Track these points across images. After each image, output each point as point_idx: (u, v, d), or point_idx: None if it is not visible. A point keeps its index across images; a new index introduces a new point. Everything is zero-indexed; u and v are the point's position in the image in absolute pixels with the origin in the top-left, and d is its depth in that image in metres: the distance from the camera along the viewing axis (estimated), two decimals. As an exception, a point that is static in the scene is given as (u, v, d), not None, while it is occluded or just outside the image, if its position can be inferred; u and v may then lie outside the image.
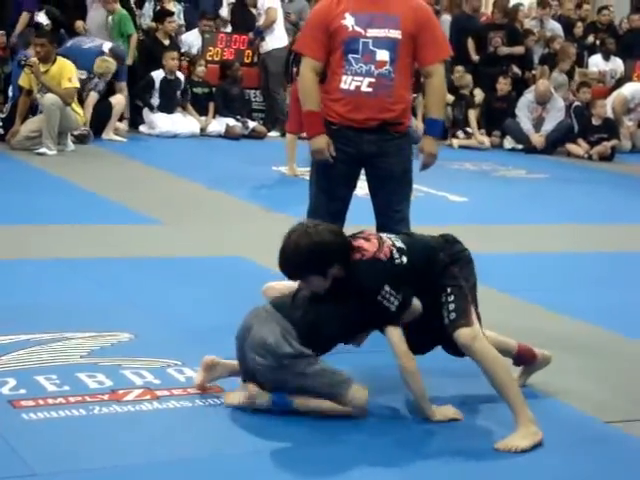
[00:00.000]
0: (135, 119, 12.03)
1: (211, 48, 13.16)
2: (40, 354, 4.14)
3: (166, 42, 12.36)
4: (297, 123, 8.48)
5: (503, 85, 13.18)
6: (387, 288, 3.63)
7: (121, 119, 11.72)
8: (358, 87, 4.63)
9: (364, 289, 3.66)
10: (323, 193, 4.79)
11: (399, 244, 3.76)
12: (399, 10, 4.64)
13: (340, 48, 4.65)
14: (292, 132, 9.43)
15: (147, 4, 13.06)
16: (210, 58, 13.03)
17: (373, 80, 4.62)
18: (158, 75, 11.88)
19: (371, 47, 4.61)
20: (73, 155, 9.98)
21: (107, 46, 11.35)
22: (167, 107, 11.94)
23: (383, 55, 4.61)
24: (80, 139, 10.52)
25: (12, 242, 6.22)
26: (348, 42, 4.63)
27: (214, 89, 12.54)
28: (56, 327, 4.44)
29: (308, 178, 5.00)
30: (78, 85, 10.23)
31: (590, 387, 4.30)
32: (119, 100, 11.29)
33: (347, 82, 4.65)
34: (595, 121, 12.87)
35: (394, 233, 4.40)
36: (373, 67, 4.62)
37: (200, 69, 12.42)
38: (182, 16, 13.30)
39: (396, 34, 4.62)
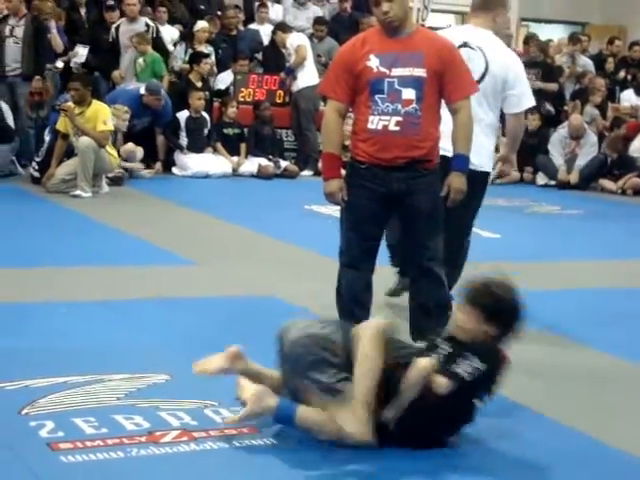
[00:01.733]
0: (168, 161, 12.15)
1: (243, 89, 13.27)
2: (77, 397, 4.16)
3: (198, 84, 12.48)
4: None
5: (532, 121, 13.15)
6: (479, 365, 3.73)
7: (156, 161, 11.85)
8: (385, 126, 4.65)
9: (479, 349, 3.76)
10: (354, 232, 4.79)
11: None
12: (423, 48, 4.67)
13: (366, 89, 4.67)
14: None
15: (179, 46, 13.23)
16: (242, 99, 13.16)
17: (400, 119, 4.63)
18: (183, 115, 12.02)
19: (396, 86, 4.63)
20: (108, 197, 10.07)
21: (143, 88, 11.53)
22: (196, 147, 12.06)
23: (409, 93, 4.63)
24: (115, 181, 10.63)
25: (47, 284, 6.26)
26: (374, 83, 4.65)
27: (246, 129, 12.65)
28: (92, 369, 4.46)
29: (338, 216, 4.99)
30: (113, 128, 10.35)
31: (628, 424, 4.26)
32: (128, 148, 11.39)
33: (374, 122, 4.66)
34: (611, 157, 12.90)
35: (425, 270, 4.63)
36: (400, 106, 4.63)
37: (231, 110, 12.53)
38: (213, 57, 13.44)
39: (421, 72, 4.64)
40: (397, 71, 4.63)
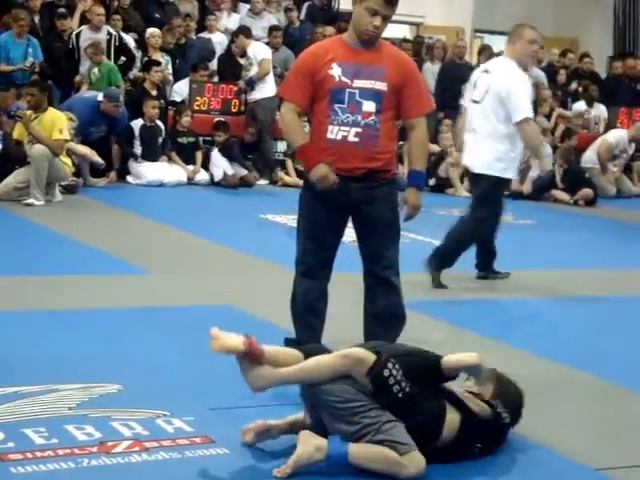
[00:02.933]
0: (123, 170, 12.08)
1: (198, 98, 13.26)
2: (28, 407, 4.12)
3: (153, 92, 12.45)
4: None
5: None
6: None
7: (110, 169, 11.78)
8: (345, 137, 4.64)
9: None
10: (311, 241, 4.79)
11: None
12: (385, 62, 4.69)
13: (326, 97, 4.66)
14: None
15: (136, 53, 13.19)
16: (197, 108, 13.14)
17: (360, 130, 4.64)
18: (137, 124, 11.98)
19: (357, 98, 4.63)
20: (61, 205, 10.00)
21: (101, 95, 11.47)
22: (150, 155, 12.01)
23: (369, 106, 4.64)
24: (68, 189, 10.55)
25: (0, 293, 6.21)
26: (335, 92, 4.65)
27: (201, 138, 12.66)
28: (44, 379, 4.42)
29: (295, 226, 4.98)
30: (69, 137, 10.29)
31: (574, 434, 4.30)
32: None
33: (334, 132, 4.66)
34: (563, 167, 13.04)
35: (382, 279, 4.67)
36: (360, 117, 4.64)
37: (185, 119, 12.52)
38: (170, 66, 13.41)
39: (382, 86, 4.65)
40: (359, 82, 4.64)
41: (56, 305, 6.00)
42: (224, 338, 3.78)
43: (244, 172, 12.43)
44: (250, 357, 3.75)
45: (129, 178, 12.00)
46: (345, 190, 4.67)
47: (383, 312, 4.81)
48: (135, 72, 12.88)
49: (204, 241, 8.53)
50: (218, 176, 12.22)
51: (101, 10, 12.52)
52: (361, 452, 3.60)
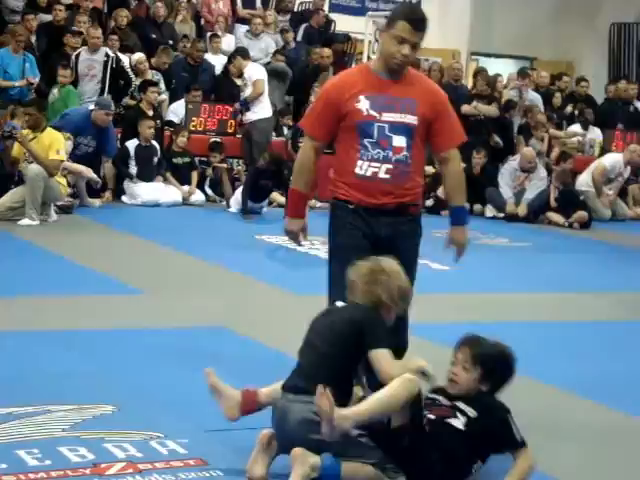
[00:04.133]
0: (118, 190, 12.07)
1: (194, 118, 13.28)
2: (22, 428, 4.10)
3: (149, 112, 12.46)
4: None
5: (478, 160, 13.28)
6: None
7: (105, 189, 11.77)
8: (375, 173, 4.46)
9: (498, 406, 3.90)
10: (341, 264, 4.40)
11: None
12: (416, 94, 4.49)
13: (354, 131, 4.46)
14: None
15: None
16: (193, 128, 13.15)
17: (391, 167, 4.46)
18: (132, 144, 11.98)
19: (387, 132, 4.44)
20: (56, 226, 9.98)
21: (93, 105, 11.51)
22: (145, 175, 11.99)
23: (400, 141, 4.45)
24: (63, 209, 10.54)
25: (-6, 313, 6.19)
26: (363, 126, 4.44)
27: (197, 159, 12.66)
28: (38, 400, 4.40)
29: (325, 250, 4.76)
30: (65, 158, 10.29)
31: (562, 455, 4.28)
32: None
33: (363, 167, 4.47)
34: (559, 188, 13.07)
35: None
36: (391, 153, 4.45)
37: (181, 139, 12.52)
38: (163, 85, 13.42)
39: (413, 119, 4.46)
40: (388, 116, 4.44)
41: (50, 325, 5.98)
42: (223, 399, 3.92)
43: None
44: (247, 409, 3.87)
45: (124, 198, 11.99)
46: (374, 224, 4.52)
47: (397, 345, 4.47)
48: (127, 100, 12.85)
49: (199, 261, 8.51)
50: (235, 209, 11.86)
51: (97, 33, 12.56)
52: (354, 471, 3.63)
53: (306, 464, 3.57)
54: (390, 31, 4.44)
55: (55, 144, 10.03)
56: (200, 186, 12.55)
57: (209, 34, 15.02)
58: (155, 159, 12.14)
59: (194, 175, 12.46)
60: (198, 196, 12.33)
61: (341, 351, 3.77)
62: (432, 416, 3.83)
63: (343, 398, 3.68)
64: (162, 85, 13.39)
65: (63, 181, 10.35)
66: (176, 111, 13.35)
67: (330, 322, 3.89)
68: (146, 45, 13.94)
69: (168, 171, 12.25)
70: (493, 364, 3.92)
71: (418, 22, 4.43)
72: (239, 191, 11.89)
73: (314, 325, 3.93)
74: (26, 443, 3.93)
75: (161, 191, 12.05)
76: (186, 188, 12.29)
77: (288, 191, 4.81)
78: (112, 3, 14.90)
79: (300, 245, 4.63)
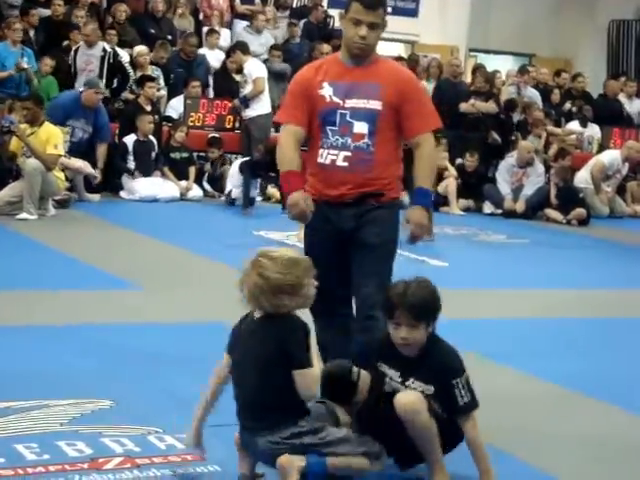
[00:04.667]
0: (115, 185, 12.07)
1: (193, 113, 13.27)
2: (20, 422, 4.10)
3: (148, 107, 12.44)
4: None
5: (470, 162, 13.30)
6: (465, 378, 3.75)
7: (103, 182, 11.76)
8: (333, 161, 4.33)
9: (447, 368, 3.74)
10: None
11: None
12: (381, 78, 4.34)
13: (317, 120, 4.37)
14: None
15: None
16: (192, 123, 13.15)
17: (349, 154, 4.31)
18: (130, 139, 11.97)
19: (348, 118, 4.31)
20: (54, 220, 9.98)
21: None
22: (143, 170, 11.99)
23: (361, 127, 4.31)
24: (61, 203, 10.54)
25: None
26: (326, 113, 4.34)
27: (195, 154, 12.65)
28: (36, 394, 4.40)
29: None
30: (62, 152, 10.28)
31: (563, 452, 4.29)
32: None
33: (323, 156, 4.36)
34: (560, 185, 13.08)
35: (364, 317, 4.35)
36: (350, 140, 4.31)
37: (179, 134, 12.51)
38: (162, 81, 13.41)
39: (376, 105, 4.31)
40: (351, 102, 4.32)
41: (48, 320, 5.98)
42: None
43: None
44: None
45: (122, 193, 11.99)
46: (335, 219, 4.37)
47: (364, 349, 4.24)
48: (126, 94, 12.84)
49: (197, 257, 8.51)
50: (236, 195, 11.82)
51: (92, 27, 12.54)
52: (340, 463, 3.59)
53: (293, 467, 3.51)
54: (347, 16, 4.35)
55: (53, 139, 10.03)
56: (198, 181, 12.55)
57: (206, 29, 15.01)
58: (153, 154, 12.14)
59: (192, 170, 12.46)
60: (196, 191, 12.33)
61: (275, 377, 3.56)
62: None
63: (298, 416, 3.59)
64: (161, 81, 13.37)
65: (61, 175, 10.36)
66: (175, 106, 13.34)
67: (257, 346, 3.62)
68: (145, 40, 13.92)
69: (166, 166, 12.26)
70: (433, 309, 3.77)
71: (369, 0, 4.30)
72: (229, 180, 11.93)
73: (242, 346, 3.70)
74: (24, 437, 3.93)
75: (159, 186, 12.05)
76: (184, 183, 12.29)
77: (280, 177, 4.55)
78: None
79: (308, 215, 4.28)
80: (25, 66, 11.78)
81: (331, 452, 3.57)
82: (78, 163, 11.17)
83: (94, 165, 11.50)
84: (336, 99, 4.34)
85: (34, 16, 13.14)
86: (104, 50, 12.51)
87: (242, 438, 3.69)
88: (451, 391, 3.70)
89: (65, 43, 12.99)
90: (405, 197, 6.50)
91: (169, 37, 14.36)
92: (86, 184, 11.43)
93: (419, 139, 4.40)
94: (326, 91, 4.36)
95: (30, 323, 5.86)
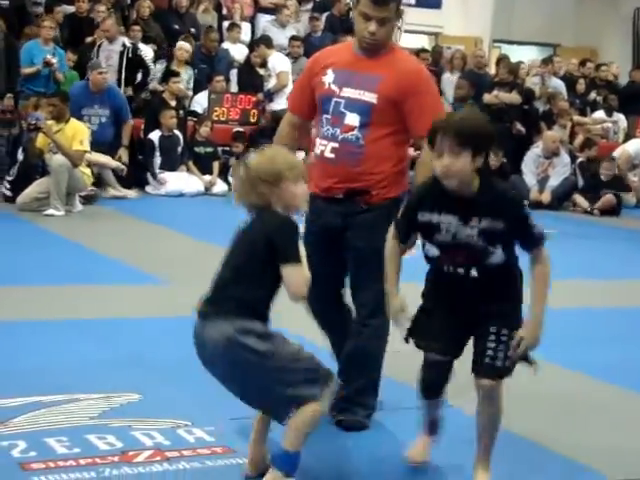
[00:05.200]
0: (142, 179, 12.11)
1: (217, 108, 13.30)
2: (50, 416, 4.13)
3: (172, 102, 12.48)
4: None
5: (494, 162, 13.18)
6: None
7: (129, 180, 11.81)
8: (322, 152, 4.16)
9: (512, 200, 3.55)
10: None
11: None
12: (384, 70, 4.11)
13: (319, 106, 4.23)
14: None
15: (158, 65, 13.25)
16: (216, 118, 13.18)
17: (336, 145, 4.12)
18: (155, 135, 12.02)
19: (341, 108, 4.12)
20: (81, 216, 10.03)
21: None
22: (169, 164, 12.04)
23: (353, 119, 4.10)
24: (88, 199, 10.59)
25: (19, 303, 6.21)
26: (322, 101, 4.19)
27: (219, 149, 12.68)
28: (65, 389, 4.43)
29: None
30: (88, 148, 10.33)
31: (602, 444, 4.27)
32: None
33: (317, 146, 4.20)
34: (604, 177, 12.96)
35: (360, 324, 4.22)
36: (339, 131, 4.11)
37: (204, 129, 12.55)
38: (192, 81, 13.45)
39: (371, 97, 4.09)
40: (347, 91, 4.13)
41: (76, 314, 6.01)
42: None
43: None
44: None
45: (148, 188, 12.04)
46: (323, 214, 4.20)
47: (354, 354, 4.26)
48: (155, 84, 12.90)
49: (222, 251, 8.51)
50: None
51: (110, 22, 12.59)
52: (295, 430, 3.43)
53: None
54: (357, 8, 4.18)
55: (78, 135, 10.08)
56: (223, 176, 12.57)
57: (227, 23, 15.03)
58: (179, 149, 12.18)
59: (216, 165, 12.48)
60: (220, 186, 12.35)
61: (253, 267, 3.52)
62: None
63: (257, 316, 3.47)
64: (191, 81, 13.41)
65: (87, 171, 10.41)
66: (200, 101, 13.38)
67: (245, 237, 3.64)
68: (169, 36, 13.96)
69: (190, 160, 12.29)
70: (479, 135, 3.46)
71: None
72: None
73: (234, 239, 3.71)
74: (55, 431, 3.96)
75: (185, 181, 12.08)
76: (208, 178, 12.31)
77: None
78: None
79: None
80: (53, 61, 11.82)
81: (271, 366, 3.40)
82: (102, 158, 11.22)
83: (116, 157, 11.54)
84: (334, 87, 4.16)
85: (59, 13, 13.21)
86: (124, 45, 12.56)
87: (195, 331, 3.61)
88: (525, 223, 3.49)
89: (89, 39, 13.02)
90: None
91: (193, 31, 14.38)
92: (119, 179, 11.48)
93: (420, 141, 4.08)
94: (328, 78, 4.19)
95: (57, 318, 5.89)
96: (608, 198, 12.70)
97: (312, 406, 3.43)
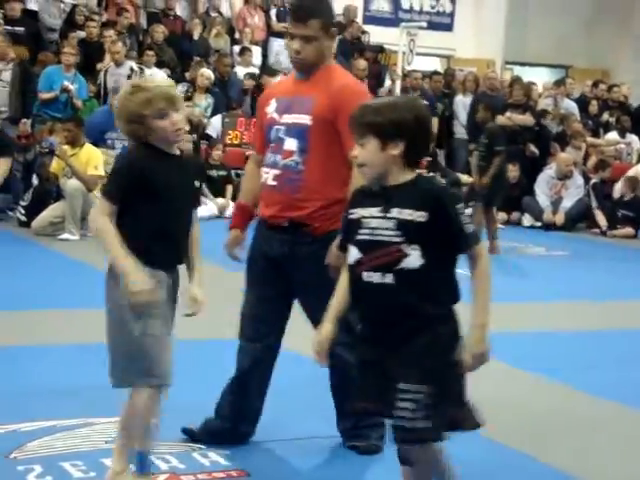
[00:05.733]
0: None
1: (230, 132, 13.36)
2: (66, 440, 4.15)
3: (186, 127, 12.53)
4: None
5: (514, 173, 13.19)
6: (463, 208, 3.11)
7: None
8: (266, 180, 4.09)
9: (442, 192, 3.10)
10: (248, 292, 4.30)
11: None
12: (315, 91, 4.00)
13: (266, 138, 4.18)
14: None
15: (180, 87, 13.34)
16: (229, 141, 13.24)
17: (278, 172, 4.04)
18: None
19: (281, 135, 4.05)
20: (95, 240, 10.04)
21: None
22: (183, 188, 12.08)
23: (291, 144, 4.01)
24: (102, 223, 10.63)
25: (34, 327, 6.25)
26: (267, 130, 4.13)
27: (233, 172, 12.74)
28: (80, 413, 4.46)
29: None
30: (103, 174, 10.38)
31: (615, 467, 4.26)
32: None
33: (262, 174, 4.13)
34: (627, 197, 12.97)
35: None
36: (279, 157, 4.04)
37: (216, 153, 12.62)
38: (210, 110, 13.52)
39: (306, 119, 3.99)
40: (286, 117, 4.05)
41: (89, 338, 6.01)
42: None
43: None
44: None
45: (163, 212, 12.07)
46: (269, 241, 4.13)
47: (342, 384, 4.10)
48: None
49: (235, 274, 8.52)
50: None
51: (118, 47, 12.71)
52: (129, 416, 3.65)
53: None
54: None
55: (93, 160, 10.16)
56: (236, 199, 12.61)
57: (238, 47, 15.13)
58: (192, 172, 12.22)
59: (229, 188, 12.53)
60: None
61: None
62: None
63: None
64: (209, 109, 13.48)
65: (102, 196, 10.45)
66: (214, 125, 13.45)
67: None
68: (183, 61, 14.05)
69: (203, 183, 12.35)
70: (381, 123, 3.07)
71: (294, 12, 4.09)
72: None
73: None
74: (71, 455, 3.98)
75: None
76: (221, 201, 12.36)
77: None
78: (151, 19, 15.05)
79: (236, 257, 4.30)
80: (70, 87, 11.89)
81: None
82: None
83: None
84: (275, 115, 4.10)
85: (73, 39, 13.31)
86: (131, 69, 12.65)
87: None
88: (453, 218, 3.04)
89: (99, 65, 13.12)
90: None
91: (204, 57, 14.47)
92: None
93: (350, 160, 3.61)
94: (270, 107, 4.13)
95: (72, 342, 5.92)
96: (628, 231, 12.66)
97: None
